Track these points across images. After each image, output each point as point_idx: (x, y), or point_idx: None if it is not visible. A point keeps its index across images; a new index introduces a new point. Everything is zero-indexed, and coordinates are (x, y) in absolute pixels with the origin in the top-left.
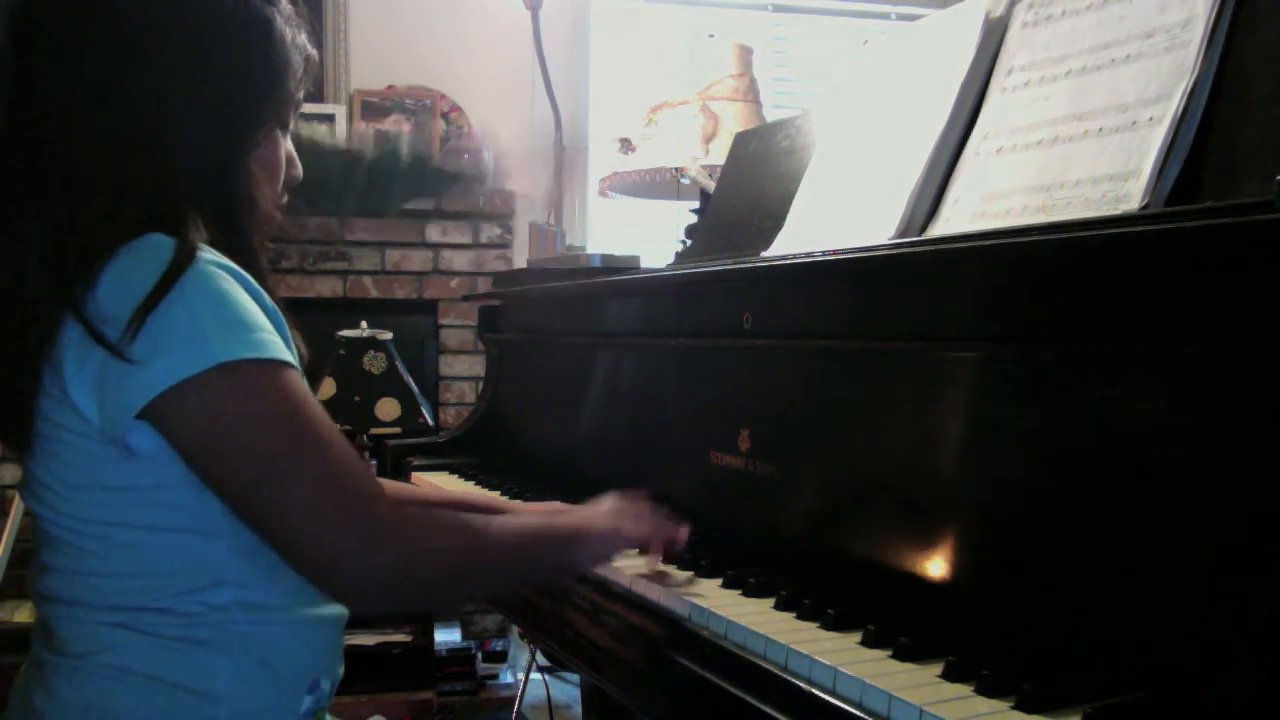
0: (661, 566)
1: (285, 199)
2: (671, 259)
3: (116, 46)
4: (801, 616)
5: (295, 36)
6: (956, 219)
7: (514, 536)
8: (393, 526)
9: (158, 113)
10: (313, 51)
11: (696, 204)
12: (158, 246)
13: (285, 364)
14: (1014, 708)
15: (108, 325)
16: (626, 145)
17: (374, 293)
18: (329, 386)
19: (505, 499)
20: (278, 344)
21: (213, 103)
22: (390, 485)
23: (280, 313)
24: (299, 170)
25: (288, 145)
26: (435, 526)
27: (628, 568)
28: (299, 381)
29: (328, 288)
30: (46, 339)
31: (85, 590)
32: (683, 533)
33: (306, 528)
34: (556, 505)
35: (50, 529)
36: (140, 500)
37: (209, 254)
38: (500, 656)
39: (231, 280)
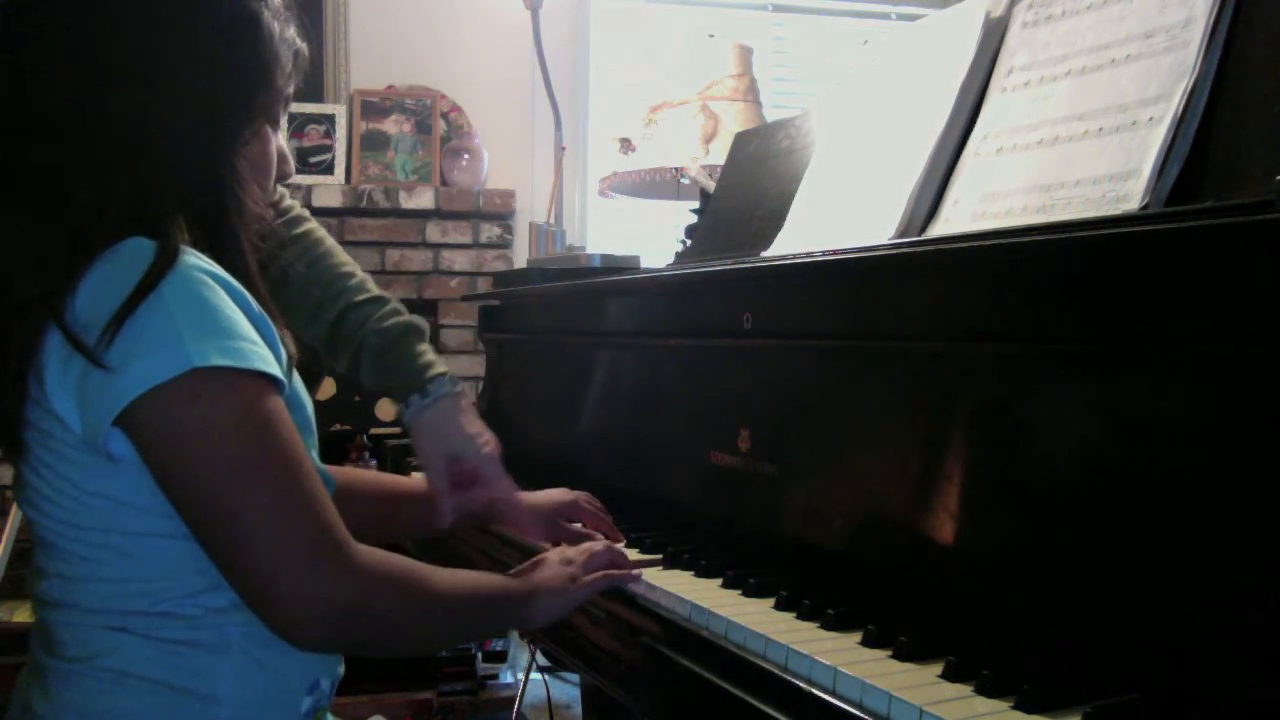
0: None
1: (276, 196)
2: (671, 259)
3: (98, 44)
4: (801, 616)
5: (283, 30)
6: (956, 219)
7: (468, 592)
8: (343, 563)
9: (142, 112)
10: (302, 46)
11: (696, 204)
12: (138, 251)
13: (263, 376)
14: (1014, 708)
15: (86, 332)
16: (626, 145)
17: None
18: (329, 386)
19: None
20: (260, 355)
21: (199, 100)
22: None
23: (268, 318)
24: (291, 167)
25: (279, 142)
26: (389, 572)
27: None
28: (275, 399)
29: None
30: (31, 347)
31: (83, 595)
32: (637, 572)
33: (253, 546)
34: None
35: (46, 534)
36: (130, 507)
37: (193, 257)
38: (500, 656)
39: (214, 286)
